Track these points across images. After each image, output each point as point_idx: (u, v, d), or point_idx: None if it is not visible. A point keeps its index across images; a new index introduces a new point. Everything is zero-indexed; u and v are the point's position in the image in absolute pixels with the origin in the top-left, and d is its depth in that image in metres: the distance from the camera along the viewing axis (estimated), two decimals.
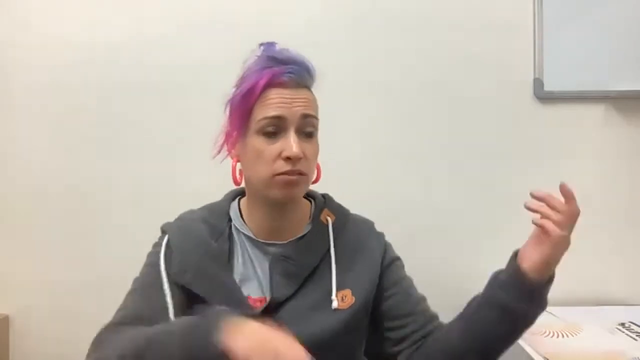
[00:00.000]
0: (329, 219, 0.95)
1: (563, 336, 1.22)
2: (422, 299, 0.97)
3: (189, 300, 0.86)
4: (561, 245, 0.80)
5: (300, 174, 0.84)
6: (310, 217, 0.96)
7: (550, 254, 0.80)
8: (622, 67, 1.47)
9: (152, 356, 0.71)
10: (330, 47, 1.48)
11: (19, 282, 1.54)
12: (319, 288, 0.88)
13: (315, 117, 0.87)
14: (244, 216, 0.94)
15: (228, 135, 0.89)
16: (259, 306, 0.86)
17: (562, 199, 0.82)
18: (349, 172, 1.46)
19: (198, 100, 1.46)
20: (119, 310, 0.89)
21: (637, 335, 1.22)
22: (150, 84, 1.50)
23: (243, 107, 0.85)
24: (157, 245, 0.93)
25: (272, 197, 0.86)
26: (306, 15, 1.50)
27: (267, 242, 0.91)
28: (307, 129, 0.85)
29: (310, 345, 0.86)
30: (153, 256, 0.92)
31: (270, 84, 0.83)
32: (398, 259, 0.99)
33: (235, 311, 0.74)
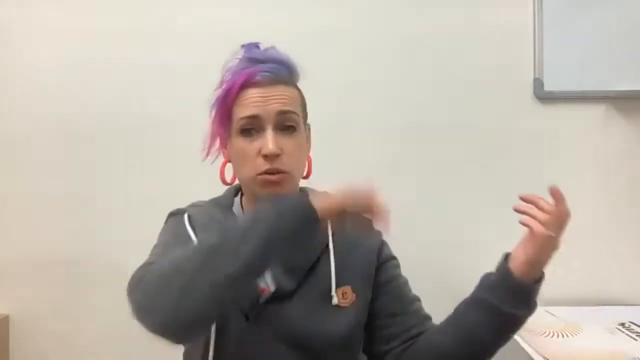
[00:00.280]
0: None
1: (563, 336, 1.21)
2: (416, 300, 0.97)
3: None
4: (547, 246, 0.81)
5: (281, 172, 0.84)
6: None
7: (536, 254, 0.81)
8: (622, 67, 1.47)
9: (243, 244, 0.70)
10: (330, 47, 1.48)
11: (19, 282, 1.54)
12: (320, 284, 0.89)
13: (294, 112, 0.86)
14: (245, 212, 0.94)
15: (213, 137, 0.90)
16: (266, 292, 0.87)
17: (552, 201, 0.82)
18: (349, 173, 1.45)
19: (200, 103, 1.46)
20: (149, 258, 0.85)
21: (637, 335, 1.22)
22: (151, 83, 1.51)
23: (223, 108, 0.87)
24: (175, 220, 0.92)
25: (260, 196, 0.86)
26: (306, 15, 1.50)
27: None
28: (286, 124, 0.85)
29: (315, 341, 0.87)
30: (175, 228, 0.90)
31: (246, 84, 0.84)
32: (394, 258, 0.99)
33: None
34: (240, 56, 0.89)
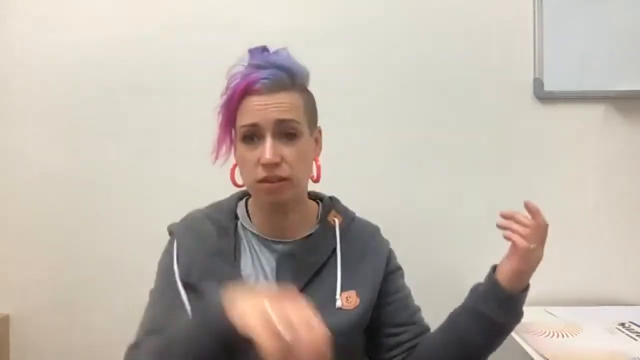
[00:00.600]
0: (336, 219, 0.97)
1: (563, 336, 1.21)
2: (418, 310, 1.00)
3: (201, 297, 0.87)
4: (530, 257, 0.86)
5: (282, 179, 0.85)
6: (317, 217, 0.97)
7: (519, 266, 0.86)
8: (622, 67, 1.47)
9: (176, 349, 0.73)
10: (330, 47, 1.48)
11: (19, 282, 1.54)
12: (325, 287, 0.89)
13: (294, 120, 0.86)
14: (251, 216, 0.96)
15: (220, 141, 0.91)
16: None
17: (529, 214, 0.88)
18: (349, 173, 1.46)
19: (200, 98, 1.46)
20: (140, 326, 0.89)
21: (637, 335, 1.22)
22: (151, 82, 1.51)
23: (227, 114, 0.88)
24: (167, 251, 0.94)
25: (262, 202, 0.89)
26: (306, 16, 1.50)
27: (274, 239, 0.92)
28: (286, 131, 0.86)
29: None
30: (165, 262, 0.92)
31: (247, 92, 0.85)
32: (400, 268, 1.01)
33: None
34: (245, 61, 0.89)
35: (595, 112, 1.50)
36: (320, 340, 0.59)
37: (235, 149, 0.91)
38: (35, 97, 1.53)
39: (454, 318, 0.92)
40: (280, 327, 0.58)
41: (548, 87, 1.49)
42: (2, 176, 1.54)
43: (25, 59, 1.53)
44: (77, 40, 1.51)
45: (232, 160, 0.92)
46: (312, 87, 0.93)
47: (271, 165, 0.83)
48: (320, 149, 0.97)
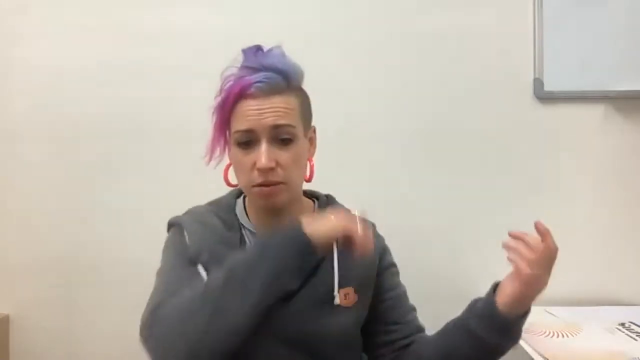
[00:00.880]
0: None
1: (563, 336, 1.22)
2: (412, 309, 1.00)
3: None
4: (533, 283, 0.81)
5: (277, 183, 0.85)
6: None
7: (522, 292, 0.82)
8: (622, 67, 1.47)
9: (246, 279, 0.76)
10: (330, 47, 1.48)
11: (19, 282, 1.54)
12: (323, 285, 0.89)
13: (289, 125, 0.86)
14: (249, 214, 0.96)
15: (214, 143, 0.90)
16: None
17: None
18: (349, 173, 1.46)
19: (198, 104, 1.46)
20: (155, 292, 0.86)
21: (637, 335, 1.22)
22: (151, 81, 1.50)
23: (221, 117, 0.88)
24: (175, 236, 0.92)
25: (257, 205, 0.90)
26: (305, 15, 1.50)
27: None
28: (281, 137, 0.85)
29: (315, 341, 0.87)
30: (174, 243, 0.91)
31: (241, 95, 0.84)
32: (394, 265, 1.01)
33: None
34: (239, 62, 0.88)
35: (595, 112, 1.50)
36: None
37: (229, 150, 0.90)
38: (35, 98, 1.53)
39: (449, 330, 0.92)
40: (360, 224, 0.78)
41: (548, 87, 1.49)
42: (2, 176, 1.54)
43: (26, 61, 1.53)
44: (76, 42, 1.51)
45: (226, 161, 0.92)
46: (307, 87, 0.93)
47: (266, 170, 0.84)
48: (315, 148, 0.96)
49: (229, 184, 0.95)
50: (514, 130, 1.50)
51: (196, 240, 0.89)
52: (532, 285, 0.81)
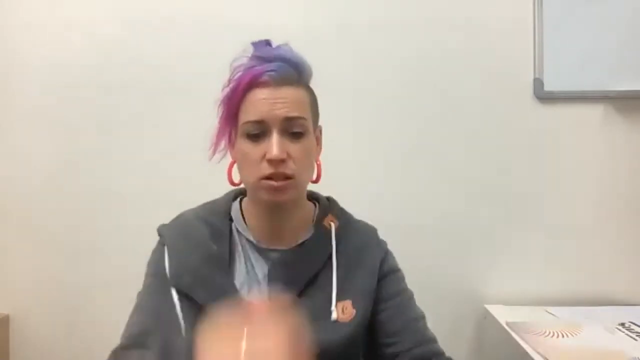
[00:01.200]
0: (332, 224, 0.92)
1: (563, 336, 1.21)
2: (420, 318, 0.92)
3: (193, 302, 0.83)
4: None
5: (287, 177, 0.81)
6: (313, 220, 0.93)
7: None
8: (622, 67, 1.47)
9: None
10: (330, 47, 1.48)
11: (19, 282, 1.54)
12: (320, 296, 0.86)
13: (302, 117, 0.83)
14: (246, 218, 0.92)
15: (220, 136, 0.87)
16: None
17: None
18: (349, 174, 1.46)
19: (199, 98, 1.46)
20: (126, 328, 0.86)
21: (637, 335, 1.22)
22: (150, 81, 1.51)
23: (229, 108, 0.84)
24: (157, 254, 0.90)
25: (263, 200, 0.85)
26: (305, 15, 1.50)
27: (268, 247, 0.89)
28: (293, 130, 0.82)
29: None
30: (155, 265, 0.89)
31: (252, 84, 0.81)
32: (398, 270, 0.95)
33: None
34: (249, 54, 0.85)
35: (595, 112, 1.50)
36: None
37: (234, 146, 0.86)
38: (35, 97, 1.53)
39: None
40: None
41: (548, 87, 1.49)
42: (2, 176, 1.54)
43: (25, 59, 1.53)
44: (76, 41, 1.52)
45: (229, 158, 0.90)
46: (312, 87, 0.92)
47: (277, 162, 0.80)
48: (321, 149, 0.93)
49: (232, 183, 0.91)
50: (514, 130, 1.50)
51: (176, 260, 0.86)
52: None
